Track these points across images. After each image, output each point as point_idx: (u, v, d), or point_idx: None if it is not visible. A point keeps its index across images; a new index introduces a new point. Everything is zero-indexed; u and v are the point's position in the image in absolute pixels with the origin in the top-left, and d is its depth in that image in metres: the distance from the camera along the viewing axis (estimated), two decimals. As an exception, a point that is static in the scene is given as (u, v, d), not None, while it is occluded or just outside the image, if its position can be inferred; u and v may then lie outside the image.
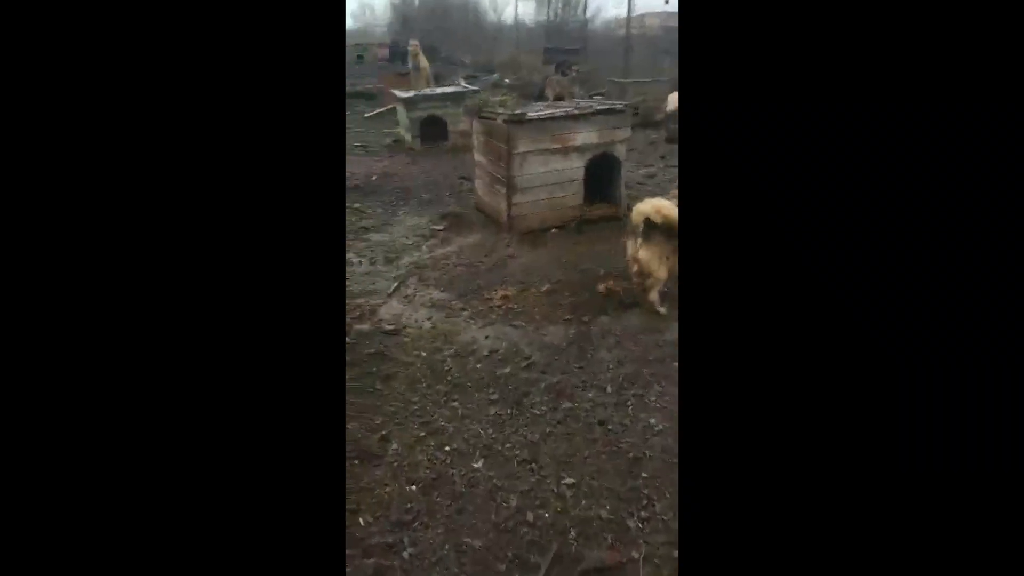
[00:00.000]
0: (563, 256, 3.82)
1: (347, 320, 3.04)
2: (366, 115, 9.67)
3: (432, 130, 6.98)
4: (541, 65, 11.71)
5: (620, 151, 4.27)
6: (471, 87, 7.33)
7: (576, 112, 4.03)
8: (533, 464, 1.99)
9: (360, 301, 3.27)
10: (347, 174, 6.08)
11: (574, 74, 12.01)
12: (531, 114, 3.93)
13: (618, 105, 4.21)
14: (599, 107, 4.17)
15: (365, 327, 2.97)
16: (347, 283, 3.52)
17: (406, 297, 3.32)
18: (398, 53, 17.73)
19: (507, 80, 13.68)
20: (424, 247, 4.11)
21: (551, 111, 4.06)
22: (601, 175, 4.34)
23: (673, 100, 9.00)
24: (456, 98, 7.02)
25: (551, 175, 4.09)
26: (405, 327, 2.97)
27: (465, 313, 3.09)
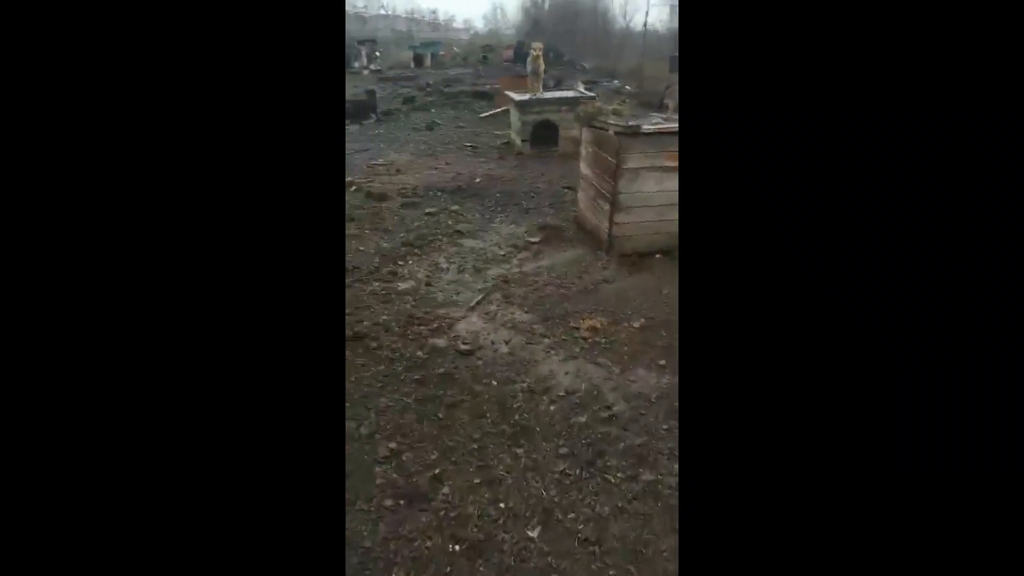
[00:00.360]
0: (664, 287, 3.42)
1: (424, 332, 2.90)
2: (481, 115, 9.72)
3: (544, 135, 6.78)
4: (668, 74, 11.09)
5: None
6: (587, 92, 7.03)
7: (699, 127, 3.60)
8: (597, 547, 1.68)
9: (441, 312, 3.12)
10: (452, 174, 6.06)
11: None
12: (645, 126, 3.57)
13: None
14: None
15: (441, 342, 2.81)
16: (431, 291, 3.40)
17: (488, 314, 3.12)
18: (522, 55, 17.84)
19: (627, 87, 13.21)
20: (515, 259, 3.90)
21: (669, 124, 3.66)
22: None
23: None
24: (571, 103, 6.75)
25: (662, 195, 3.70)
26: (480, 347, 2.77)
27: (546, 341, 2.83)
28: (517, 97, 6.93)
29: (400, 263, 3.80)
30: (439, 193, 5.41)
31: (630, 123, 3.59)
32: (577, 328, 2.93)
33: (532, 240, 4.22)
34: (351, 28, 22.08)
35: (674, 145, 3.57)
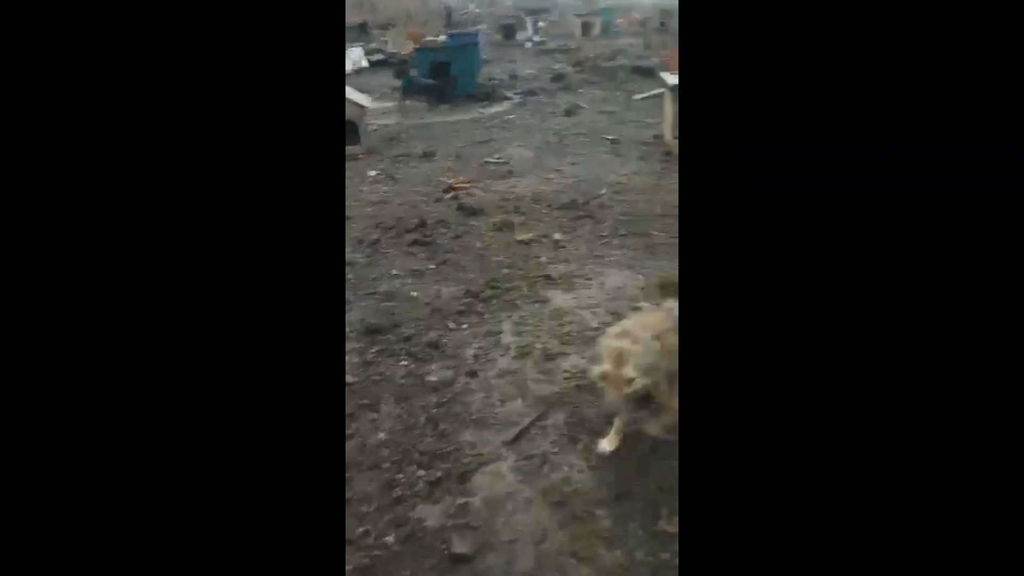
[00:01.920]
0: None
1: (421, 484, 1.86)
2: (636, 97, 8.17)
3: (702, 130, 5.17)
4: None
5: None
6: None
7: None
8: None
9: (464, 439, 2.05)
10: (572, 180, 4.84)
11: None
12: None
13: None
14: None
15: (434, 515, 1.75)
16: (469, 389, 2.33)
17: (527, 461, 1.95)
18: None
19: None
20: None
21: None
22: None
23: None
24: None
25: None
26: (490, 548, 1.64)
27: (607, 541, 1.60)
28: (671, 79, 5.37)
29: (451, 327, 2.79)
30: (547, 209, 4.26)
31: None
32: (666, 527, 1.65)
33: (646, 307, 2.89)
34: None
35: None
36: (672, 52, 9.02)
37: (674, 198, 4.37)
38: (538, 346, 2.60)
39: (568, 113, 7.39)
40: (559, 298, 3.03)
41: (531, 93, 8.61)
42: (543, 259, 3.48)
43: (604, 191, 4.57)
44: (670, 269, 3.19)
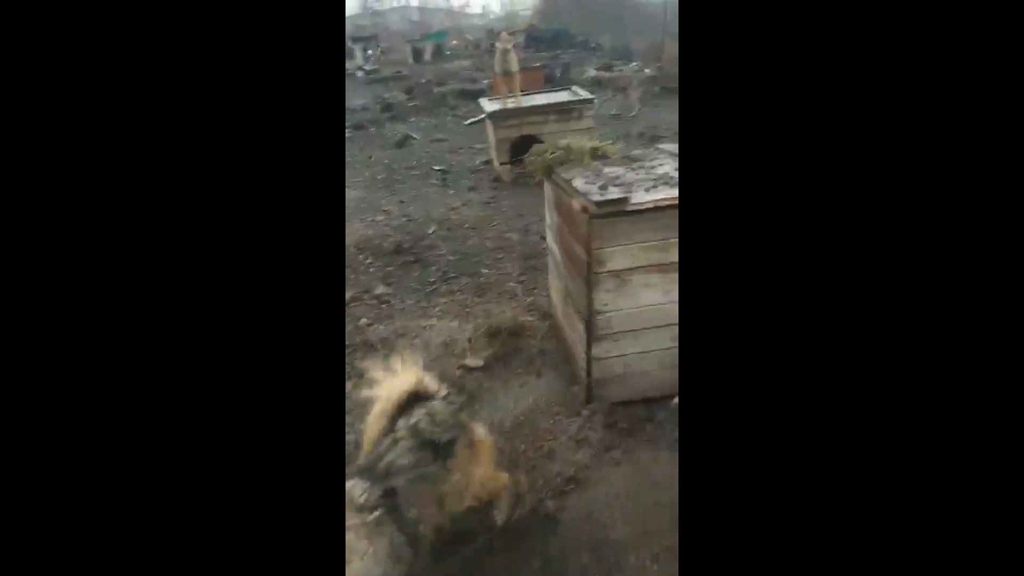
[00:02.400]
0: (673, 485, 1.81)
1: None
2: (467, 122, 8.11)
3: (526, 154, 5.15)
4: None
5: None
6: (584, 94, 5.33)
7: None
8: None
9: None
10: (400, 222, 4.52)
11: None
12: (640, 195, 1.93)
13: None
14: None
15: None
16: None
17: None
18: (536, 40, 15.98)
19: (647, 70, 11.33)
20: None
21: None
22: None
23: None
24: (562, 111, 5.09)
25: (676, 310, 2.07)
26: None
27: None
28: (488, 106, 5.30)
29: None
30: (370, 260, 3.89)
31: (612, 188, 1.96)
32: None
33: (473, 365, 2.64)
34: (359, 24, 20.52)
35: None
36: (495, 77, 9.13)
37: (504, 227, 4.25)
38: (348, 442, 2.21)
39: (399, 145, 7.08)
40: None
41: (359, 127, 8.17)
42: (365, 321, 3.10)
43: (433, 229, 4.31)
44: (499, 312, 2.99)
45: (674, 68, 9.65)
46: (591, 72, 10.77)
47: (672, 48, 9.94)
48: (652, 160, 2.38)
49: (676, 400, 2.21)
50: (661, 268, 1.97)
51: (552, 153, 2.38)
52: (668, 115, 7.97)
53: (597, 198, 1.83)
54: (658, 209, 1.86)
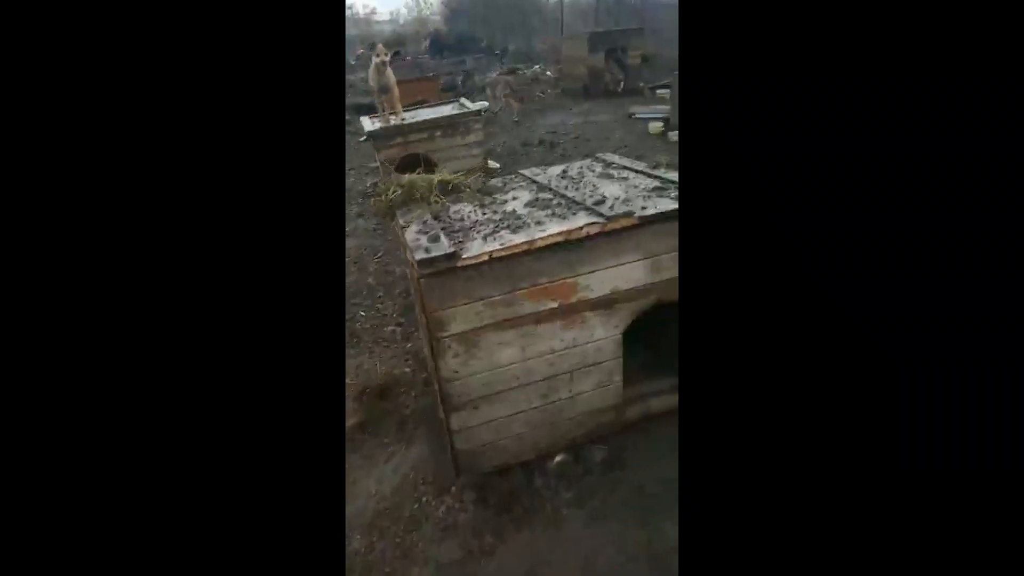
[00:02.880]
0: (576, 555, 1.57)
1: None
2: (362, 138, 7.64)
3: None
4: (587, 55, 9.13)
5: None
6: (472, 105, 5.07)
7: (597, 223, 1.71)
8: None
9: None
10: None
11: (640, 59, 9.40)
12: (474, 248, 1.66)
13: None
14: (657, 204, 1.83)
15: None
16: None
17: None
18: (441, 46, 15.56)
19: (549, 72, 11.27)
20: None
21: (523, 237, 1.76)
22: (662, 338, 2.02)
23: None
24: (447, 127, 4.80)
25: (539, 365, 1.82)
26: None
27: None
28: (369, 125, 4.92)
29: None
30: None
31: (443, 240, 1.67)
32: None
33: (332, 439, 2.30)
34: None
35: (541, 274, 1.68)
36: (401, 83, 8.68)
37: (390, 259, 3.90)
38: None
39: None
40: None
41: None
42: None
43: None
44: (370, 366, 2.66)
45: (573, 69, 9.60)
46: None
47: (570, 48, 9.89)
48: (508, 192, 2.13)
49: (558, 458, 1.97)
50: (513, 323, 1.71)
51: (393, 192, 2.08)
52: (564, 118, 7.90)
53: (421, 255, 1.54)
54: (489, 264, 1.59)
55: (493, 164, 5.43)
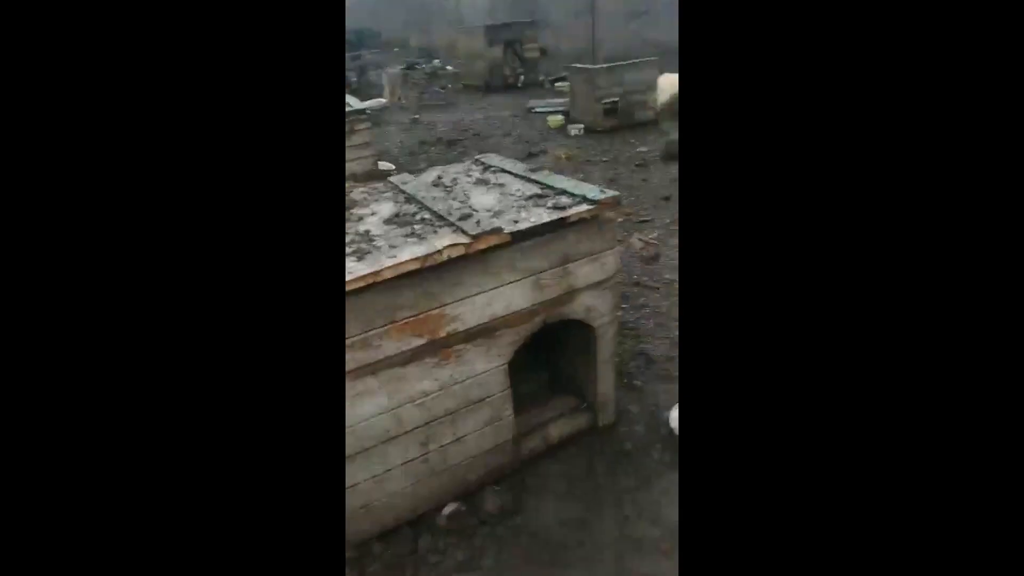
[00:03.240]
0: None
1: None
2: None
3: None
4: (486, 48, 8.89)
5: (599, 305, 1.72)
6: (356, 104, 4.66)
7: (473, 243, 1.45)
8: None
9: None
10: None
11: (537, 52, 9.29)
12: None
13: (593, 194, 1.65)
14: (545, 213, 1.61)
15: None
16: None
17: None
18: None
19: (449, 67, 10.95)
20: None
21: (376, 265, 1.48)
22: (557, 358, 1.81)
23: (668, 86, 6.36)
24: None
25: (411, 411, 1.55)
26: None
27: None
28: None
29: None
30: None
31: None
32: None
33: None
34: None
35: (417, 304, 1.41)
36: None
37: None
38: None
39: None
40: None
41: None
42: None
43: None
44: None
45: (472, 63, 9.34)
46: (388, 71, 10.08)
47: (467, 42, 9.61)
48: (369, 205, 1.83)
49: (447, 510, 1.72)
50: (373, 368, 1.43)
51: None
52: (464, 114, 7.64)
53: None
54: (351, 294, 1.31)
55: (386, 166, 5.07)
